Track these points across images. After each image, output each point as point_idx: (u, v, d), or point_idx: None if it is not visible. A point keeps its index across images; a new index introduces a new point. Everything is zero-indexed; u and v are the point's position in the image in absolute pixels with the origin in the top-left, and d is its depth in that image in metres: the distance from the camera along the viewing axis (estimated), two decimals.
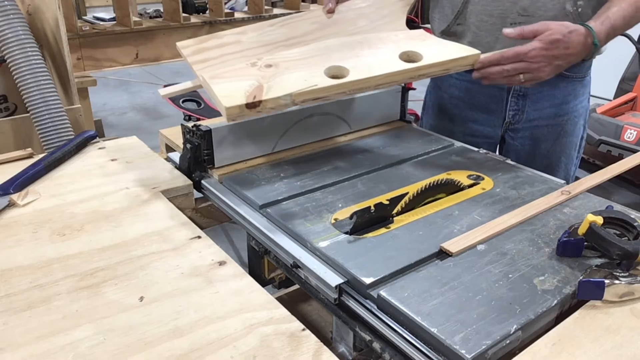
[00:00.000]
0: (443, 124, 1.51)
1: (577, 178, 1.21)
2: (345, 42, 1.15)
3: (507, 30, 1.13)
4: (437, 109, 1.55)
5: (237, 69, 1.05)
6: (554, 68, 1.10)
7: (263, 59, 1.08)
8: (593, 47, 1.11)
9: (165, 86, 1.20)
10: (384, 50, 1.11)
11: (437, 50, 1.09)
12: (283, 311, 0.77)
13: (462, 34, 1.34)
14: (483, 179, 1.12)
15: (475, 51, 1.08)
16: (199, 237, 0.95)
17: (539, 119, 1.39)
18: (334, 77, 1.02)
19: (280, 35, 1.17)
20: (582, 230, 0.83)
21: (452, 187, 1.10)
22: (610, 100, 3.60)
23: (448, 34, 1.37)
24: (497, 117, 1.42)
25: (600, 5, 1.19)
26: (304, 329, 0.74)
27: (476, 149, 1.29)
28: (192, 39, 1.18)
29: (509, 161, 1.22)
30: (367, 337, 0.79)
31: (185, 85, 1.14)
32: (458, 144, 1.33)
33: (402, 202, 1.02)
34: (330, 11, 1.23)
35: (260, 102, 0.93)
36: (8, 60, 1.65)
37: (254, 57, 1.09)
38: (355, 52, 1.10)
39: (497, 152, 1.48)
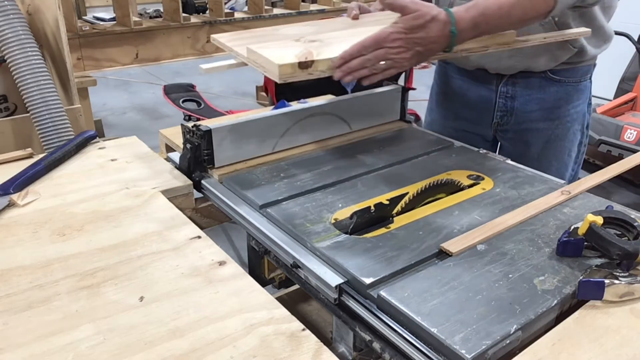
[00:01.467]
0: (440, 119, 1.53)
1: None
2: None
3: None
4: (436, 103, 1.57)
5: (282, 43, 1.08)
6: (415, 54, 1.03)
7: (305, 37, 1.10)
8: (451, 36, 1.03)
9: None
10: None
11: None
12: (283, 311, 0.77)
13: None
14: (483, 179, 1.12)
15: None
16: (199, 237, 0.95)
17: (527, 121, 1.38)
18: None
19: (313, 29, 1.20)
20: (582, 230, 0.83)
21: (452, 187, 1.10)
22: (610, 100, 3.60)
23: None
24: (486, 117, 1.42)
25: (577, 15, 1.18)
26: (304, 329, 0.74)
27: (476, 149, 1.29)
28: (226, 33, 1.21)
29: (509, 161, 1.22)
30: (367, 337, 0.79)
31: (227, 62, 1.14)
32: (458, 143, 1.33)
33: (402, 202, 1.02)
34: (355, 17, 1.25)
35: (312, 62, 0.95)
36: (8, 60, 1.65)
37: (293, 39, 1.11)
38: None
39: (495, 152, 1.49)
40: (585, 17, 1.24)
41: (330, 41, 1.08)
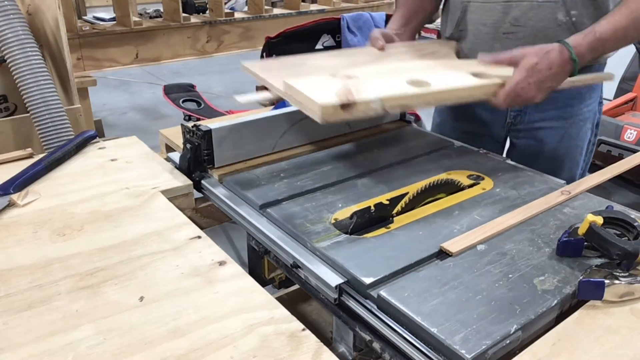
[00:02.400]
0: (450, 120, 1.52)
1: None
2: (415, 65, 1.18)
3: (482, 56, 1.15)
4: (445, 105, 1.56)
5: (318, 78, 1.05)
6: (546, 90, 1.10)
7: (340, 72, 1.07)
8: (572, 63, 1.09)
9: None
10: (453, 70, 1.15)
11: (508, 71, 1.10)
12: (283, 311, 0.77)
13: (463, 40, 1.35)
14: (483, 179, 1.12)
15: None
16: (199, 237, 0.95)
17: (540, 120, 1.38)
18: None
19: (343, 62, 1.19)
20: (582, 230, 0.83)
21: (452, 187, 1.10)
22: (610, 100, 3.60)
23: (452, 39, 1.38)
24: (500, 116, 1.42)
25: (599, 13, 1.18)
26: (304, 329, 0.74)
27: (476, 149, 1.29)
28: (255, 61, 1.19)
29: (509, 161, 1.22)
30: (367, 337, 0.79)
31: (263, 95, 1.12)
32: (458, 143, 1.33)
33: (402, 202, 1.02)
34: (381, 48, 1.27)
35: (354, 102, 0.92)
36: (8, 60, 1.65)
37: (327, 72, 1.08)
38: (426, 73, 1.11)
39: (505, 153, 1.49)
40: (600, 14, 1.23)
41: (366, 78, 1.06)
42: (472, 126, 1.47)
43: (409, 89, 1.01)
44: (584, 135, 1.42)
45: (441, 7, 1.47)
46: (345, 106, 0.92)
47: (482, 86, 1.08)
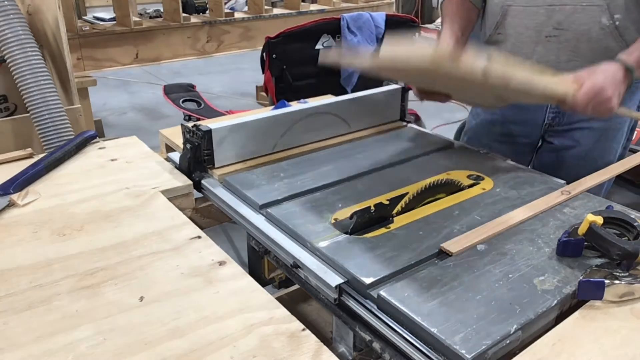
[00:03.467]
0: (487, 124, 1.50)
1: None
2: None
3: None
4: (479, 109, 1.55)
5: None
6: (619, 96, 1.10)
7: None
8: (629, 73, 1.11)
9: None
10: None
11: None
12: (283, 311, 0.77)
13: (502, 43, 1.34)
14: (483, 179, 1.12)
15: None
16: (199, 237, 0.95)
17: (579, 121, 1.36)
18: None
19: None
20: (582, 230, 0.83)
21: (452, 187, 1.10)
22: None
23: (490, 42, 1.37)
24: (538, 117, 1.41)
25: None
26: (304, 329, 0.74)
27: (476, 149, 1.29)
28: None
29: (509, 161, 1.22)
30: (367, 337, 0.79)
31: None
32: (458, 143, 1.33)
33: (402, 202, 1.02)
34: None
35: (463, 51, 0.95)
36: (8, 60, 1.65)
37: None
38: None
39: (534, 154, 1.48)
40: None
41: None
42: (508, 128, 1.45)
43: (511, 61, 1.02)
44: (620, 137, 1.41)
45: None
46: (455, 55, 0.94)
47: (563, 81, 1.08)
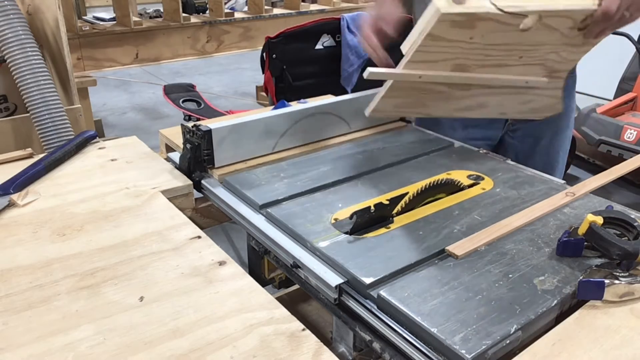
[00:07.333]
0: (449, 130, 1.50)
1: (575, 178, 1.21)
2: None
3: None
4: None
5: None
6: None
7: None
8: None
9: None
10: None
11: None
12: (283, 311, 0.77)
13: None
14: (483, 179, 1.12)
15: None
16: (199, 237, 0.95)
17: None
18: None
19: None
20: (582, 230, 0.83)
21: (452, 187, 1.10)
22: (610, 100, 3.60)
23: None
24: (500, 120, 1.42)
25: None
26: (304, 329, 0.74)
27: (476, 149, 1.29)
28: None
29: (509, 161, 1.22)
30: (367, 337, 0.79)
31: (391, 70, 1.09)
32: (458, 143, 1.33)
33: (402, 202, 1.02)
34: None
35: None
36: (8, 60, 1.65)
37: None
38: None
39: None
40: None
41: None
42: (470, 133, 1.46)
43: None
44: (571, 124, 1.46)
45: None
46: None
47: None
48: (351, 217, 0.96)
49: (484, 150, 1.28)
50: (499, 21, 0.96)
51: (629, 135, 3.13)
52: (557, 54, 1.13)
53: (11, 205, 1.04)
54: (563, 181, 1.13)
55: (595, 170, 1.13)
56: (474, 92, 1.16)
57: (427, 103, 1.18)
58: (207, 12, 3.57)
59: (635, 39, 3.41)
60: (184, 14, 3.34)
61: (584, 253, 0.85)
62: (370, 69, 1.05)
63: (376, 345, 0.77)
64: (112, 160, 1.24)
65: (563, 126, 1.42)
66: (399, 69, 1.05)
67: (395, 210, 1.00)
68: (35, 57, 1.66)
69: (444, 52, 1.02)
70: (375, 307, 0.77)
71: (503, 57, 1.08)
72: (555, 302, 0.75)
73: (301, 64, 2.85)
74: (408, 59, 1.02)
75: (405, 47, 1.02)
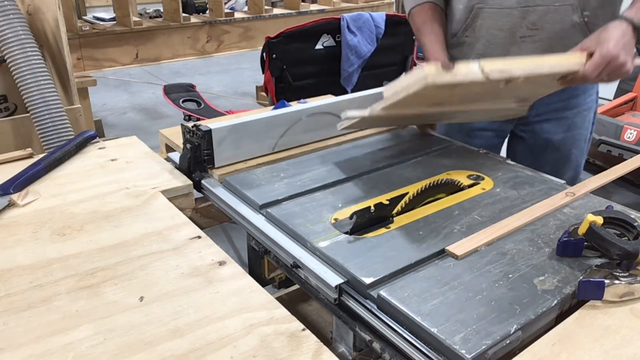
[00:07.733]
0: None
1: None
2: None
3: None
4: None
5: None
6: (632, 57, 1.08)
7: None
8: (636, 30, 1.08)
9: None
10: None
11: None
12: (283, 311, 0.77)
13: (472, 45, 1.34)
14: (483, 179, 1.12)
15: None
16: (199, 237, 0.95)
17: (548, 112, 1.40)
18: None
19: None
20: (582, 230, 0.83)
21: (452, 187, 1.10)
22: (610, 100, 3.60)
23: (458, 44, 1.37)
24: None
25: (608, 15, 1.19)
26: (304, 329, 0.74)
27: (476, 149, 1.29)
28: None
29: (509, 161, 1.23)
30: (367, 337, 0.79)
31: (361, 113, 1.15)
32: (458, 144, 1.34)
33: (402, 202, 1.02)
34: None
35: (454, 63, 0.93)
36: (8, 60, 1.65)
37: None
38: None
39: (506, 147, 1.51)
40: (611, 13, 1.24)
41: None
42: (480, 124, 1.47)
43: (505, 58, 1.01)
44: (588, 124, 1.44)
45: None
46: (446, 67, 0.93)
47: (571, 56, 1.07)
48: (351, 217, 0.96)
49: (484, 150, 1.28)
50: (483, 82, 0.98)
51: (629, 135, 3.13)
52: (531, 92, 1.21)
53: (11, 205, 1.04)
54: (563, 181, 1.13)
55: (595, 170, 1.13)
56: (445, 111, 1.25)
57: (399, 122, 1.40)
58: (207, 12, 3.57)
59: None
60: (184, 14, 3.34)
61: (584, 253, 0.85)
62: (343, 116, 1.16)
63: (376, 345, 0.77)
64: (112, 160, 1.24)
65: (577, 124, 1.41)
66: (377, 108, 1.09)
67: (395, 210, 1.00)
68: (35, 57, 1.66)
69: (423, 100, 1.06)
70: (375, 307, 0.77)
71: (480, 97, 1.14)
72: (555, 302, 0.75)
73: (301, 64, 2.85)
74: (388, 105, 1.05)
75: (387, 93, 1.05)
